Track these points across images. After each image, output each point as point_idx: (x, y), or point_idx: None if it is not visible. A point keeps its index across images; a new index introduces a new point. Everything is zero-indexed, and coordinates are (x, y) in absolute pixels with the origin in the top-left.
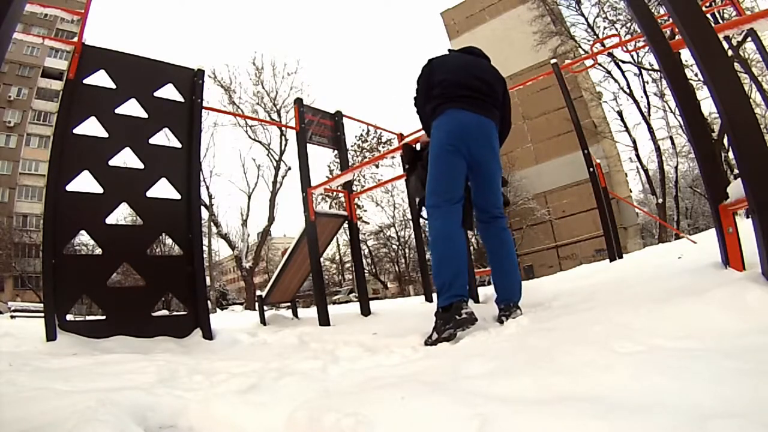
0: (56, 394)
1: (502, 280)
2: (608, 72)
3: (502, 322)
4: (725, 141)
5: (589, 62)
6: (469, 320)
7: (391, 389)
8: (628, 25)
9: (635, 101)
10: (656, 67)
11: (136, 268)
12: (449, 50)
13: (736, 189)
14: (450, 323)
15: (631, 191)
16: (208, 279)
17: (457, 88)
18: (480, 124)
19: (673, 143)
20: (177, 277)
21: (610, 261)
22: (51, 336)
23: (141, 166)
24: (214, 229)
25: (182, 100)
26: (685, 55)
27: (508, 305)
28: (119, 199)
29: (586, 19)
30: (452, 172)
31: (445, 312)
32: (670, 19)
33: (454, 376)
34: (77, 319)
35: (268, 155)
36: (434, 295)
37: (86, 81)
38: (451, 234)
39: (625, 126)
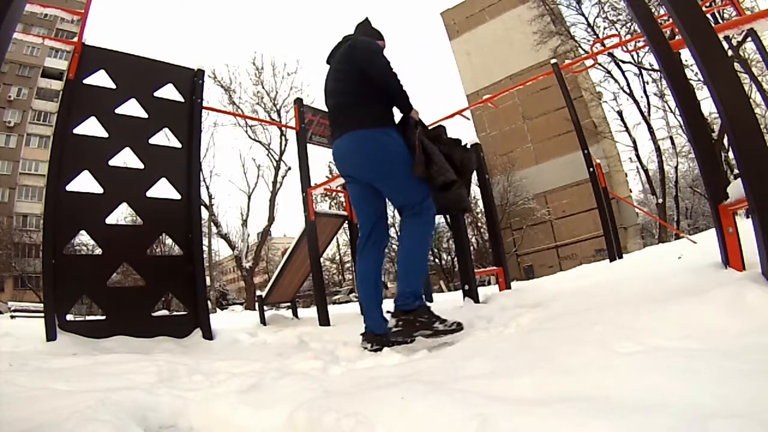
0: (56, 394)
1: (398, 278)
2: (608, 72)
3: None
4: (725, 141)
5: (589, 62)
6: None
7: (391, 389)
8: (628, 25)
9: (635, 101)
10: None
11: (136, 268)
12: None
13: (736, 189)
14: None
15: (631, 191)
16: (208, 279)
17: (329, 117)
18: (348, 145)
19: (673, 143)
20: (177, 277)
21: (610, 261)
22: (51, 336)
23: (141, 166)
24: (214, 229)
25: (182, 100)
26: (685, 55)
27: (397, 310)
28: (119, 199)
29: (586, 19)
30: (356, 204)
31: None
32: (670, 19)
33: (454, 376)
34: (77, 319)
35: (268, 155)
36: (433, 296)
37: (86, 81)
38: (360, 275)
39: (625, 126)
